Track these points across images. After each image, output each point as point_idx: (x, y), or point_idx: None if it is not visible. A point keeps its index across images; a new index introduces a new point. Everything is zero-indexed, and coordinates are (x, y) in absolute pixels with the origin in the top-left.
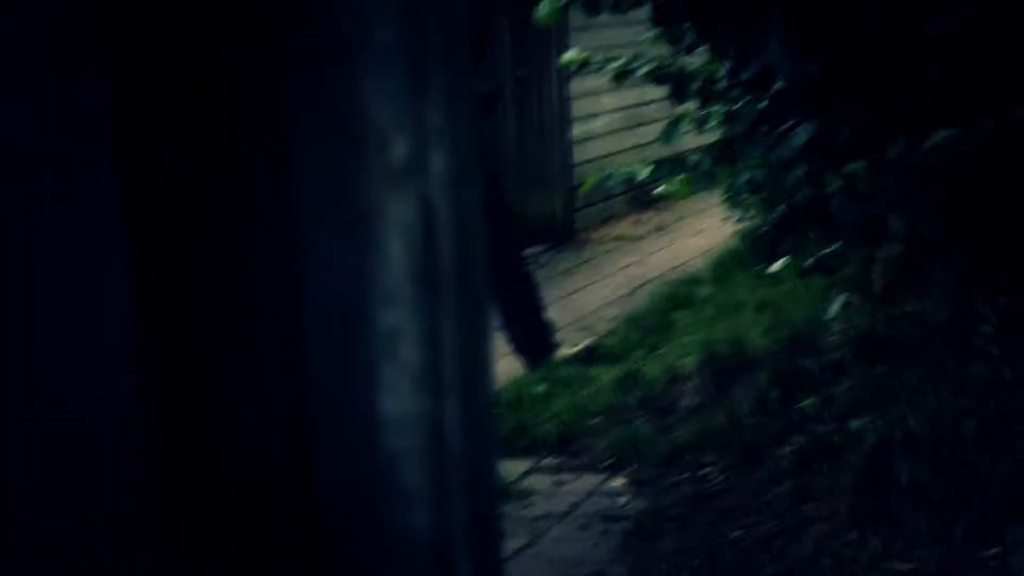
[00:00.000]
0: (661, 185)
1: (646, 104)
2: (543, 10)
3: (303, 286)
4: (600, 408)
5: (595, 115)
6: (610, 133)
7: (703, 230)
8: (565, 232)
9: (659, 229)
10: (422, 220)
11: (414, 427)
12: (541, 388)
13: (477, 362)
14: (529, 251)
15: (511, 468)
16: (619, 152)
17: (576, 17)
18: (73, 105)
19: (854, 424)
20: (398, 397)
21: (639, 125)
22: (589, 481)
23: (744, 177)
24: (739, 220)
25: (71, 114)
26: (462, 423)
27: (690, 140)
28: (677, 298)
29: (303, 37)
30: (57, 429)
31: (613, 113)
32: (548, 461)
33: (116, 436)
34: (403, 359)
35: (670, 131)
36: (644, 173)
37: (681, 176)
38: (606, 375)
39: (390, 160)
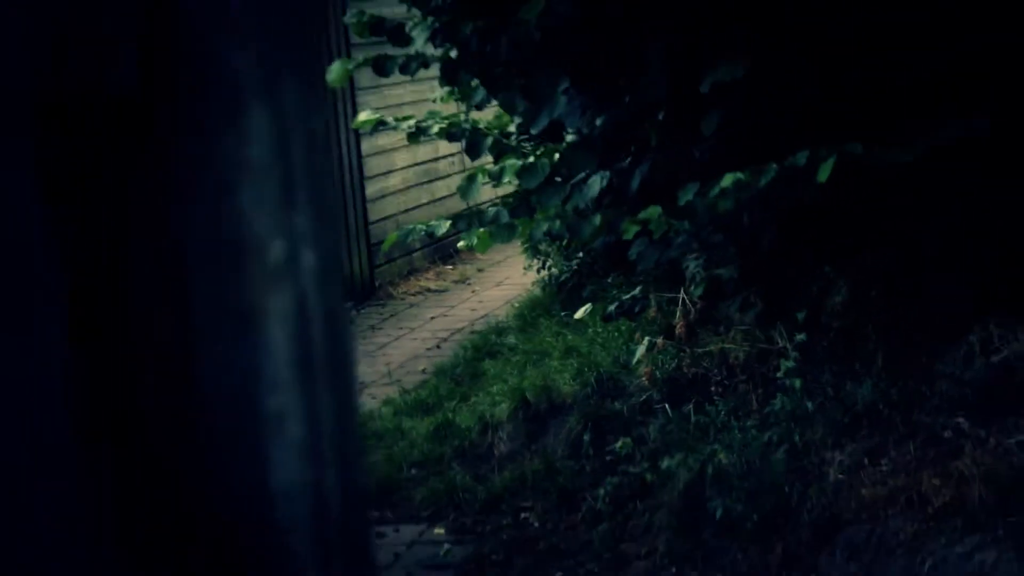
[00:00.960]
0: (462, 239)
1: (440, 159)
2: (333, 74)
3: (199, 375)
4: (416, 459)
5: (389, 172)
6: (405, 189)
7: (504, 280)
8: (367, 289)
9: (461, 281)
10: (298, 312)
11: (301, 497)
12: None
13: (350, 436)
14: None
15: None
16: (416, 207)
17: (363, 77)
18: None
19: (666, 463)
20: (286, 470)
21: (434, 180)
22: (410, 531)
23: (543, 227)
24: (539, 269)
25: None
26: (341, 492)
27: (487, 192)
28: (485, 348)
29: (195, 166)
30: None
31: (407, 169)
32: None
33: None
34: (289, 436)
35: (466, 187)
36: (443, 228)
37: (481, 229)
38: (420, 426)
39: (268, 261)
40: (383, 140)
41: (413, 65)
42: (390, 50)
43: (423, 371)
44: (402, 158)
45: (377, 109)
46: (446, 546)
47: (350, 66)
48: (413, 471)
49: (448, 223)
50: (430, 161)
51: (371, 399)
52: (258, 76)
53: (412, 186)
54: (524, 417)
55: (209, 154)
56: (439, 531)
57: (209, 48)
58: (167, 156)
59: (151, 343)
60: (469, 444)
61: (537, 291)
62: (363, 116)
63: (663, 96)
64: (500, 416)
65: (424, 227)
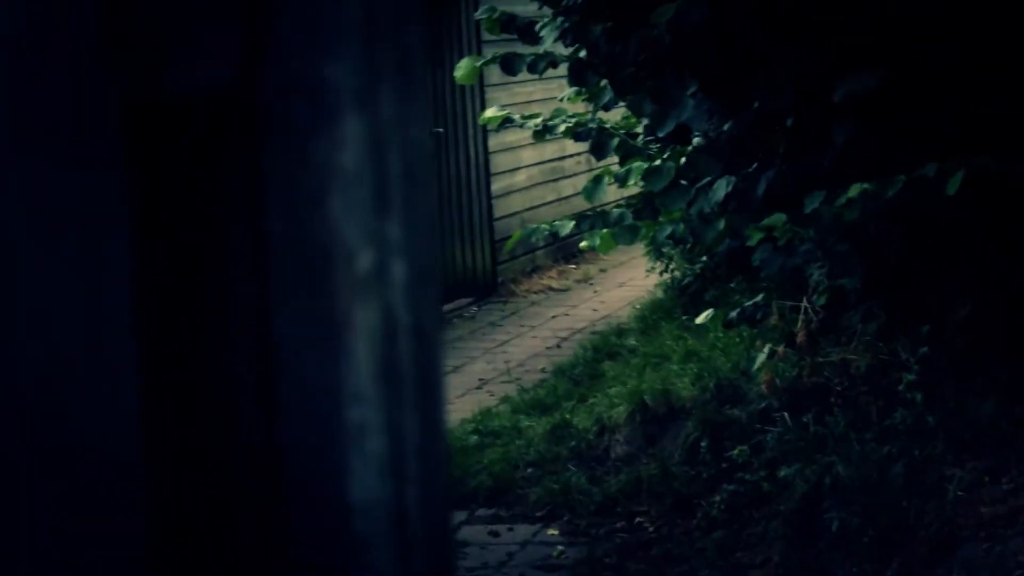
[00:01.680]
0: (584, 239)
1: (567, 157)
2: (461, 70)
3: (281, 389)
4: (532, 459)
5: (516, 169)
6: (531, 187)
7: (627, 281)
8: (489, 285)
9: (584, 281)
10: (385, 325)
11: (380, 511)
12: (472, 440)
13: (434, 451)
14: (455, 304)
15: None
16: (541, 205)
17: (492, 73)
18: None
19: (783, 472)
20: (366, 484)
21: (560, 178)
22: (524, 531)
23: (666, 230)
24: (662, 272)
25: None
26: (422, 507)
27: (613, 193)
28: (605, 349)
29: (285, 172)
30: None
31: (533, 167)
32: (482, 512)
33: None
34: (369, 450)
35: (591, 188)
36: (567, 228)
37: (604, 230)
38: (538, 425)
39: (356, 272)
40: (511, 137)
41: (541, 64)
42: (520, 47)
43: (542, 370)
44: (529, 155)
45: (506, 106)
46: (559, 547)
47: (478, 63)
48: (529, 470)
49: (572, 223)
50: (557, 159)
51: (489, 396)
52: (353, 84)
53: (538, 184)
54: (642, 420)
55: (300, 160)
56: (553, 532)
57: (303, 55)
58: (259, 160)
59: (232, 353)
60: (586, 445)
61: (659, 294)
62: (490, 112)
63: (792, 103)
64: (617, 418)
65: (548, 227)
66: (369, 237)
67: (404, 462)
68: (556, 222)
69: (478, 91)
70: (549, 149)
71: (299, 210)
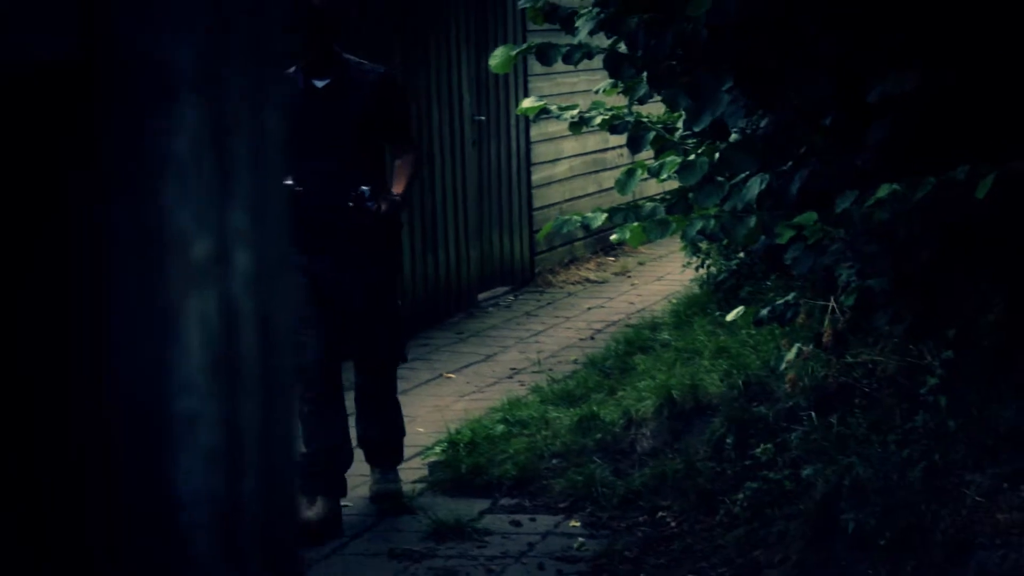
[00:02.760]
0: (615, 232)
1: (608, 149)
2: (496, 59)
3: (110, 378)
4: (558, 450)
5: (556, 160)
6: (572, 177)
7: (665, 275)
8: (526, 275)
9: (621, 273)
10: (224, 314)
11: (208, 504)
12: (499, 429)
13: (280, 445)
14: (492, 292)
15: (468, 508)
16: (582, 196)
17: (536, 64)
18: None
19: (806, 472)
20: (193, 476)
21: (601, 170)
22: (546, 522)
23: (697, 226)
24: (698, 268)
25: None
26: (261, 501)
27: (655, 187)
28: (637, 342)
29: (118, 155)
30: None
31: (575, 158)
32: (505, 501)
33: None
34: (198, 442)
35: (624, 181)
36: (600, 220)
37: (635, 224)
38: (565, 417)
39: (191, 260)
40: (552, 127)
41: (577, 55)
42: (565, 38)
43: (574, 361)
44: (570, 146)
45: (549, 96)
46: (580, 539)
47: (513, 52)
48: (554, 461)
49: (604, 215)
50: (598, 151)
51: (520, 386)
52: (194, 66)
53: (579, 175)
54: (669, 415)
55: (135, 142)
56: (575, 524)
57: (141, 33)
58: (95, 141)
59: (66, 341)
60: (612, 438)
61: (695, 289)
62: (527, 103)
63: (829, 101)
64: (645, 412)
65: (580, 218)
66: (208, 224)
67: (240, 455)
68: (589, 214)
69: (521, 80)
70: (591, 141)
71: (133, 194)
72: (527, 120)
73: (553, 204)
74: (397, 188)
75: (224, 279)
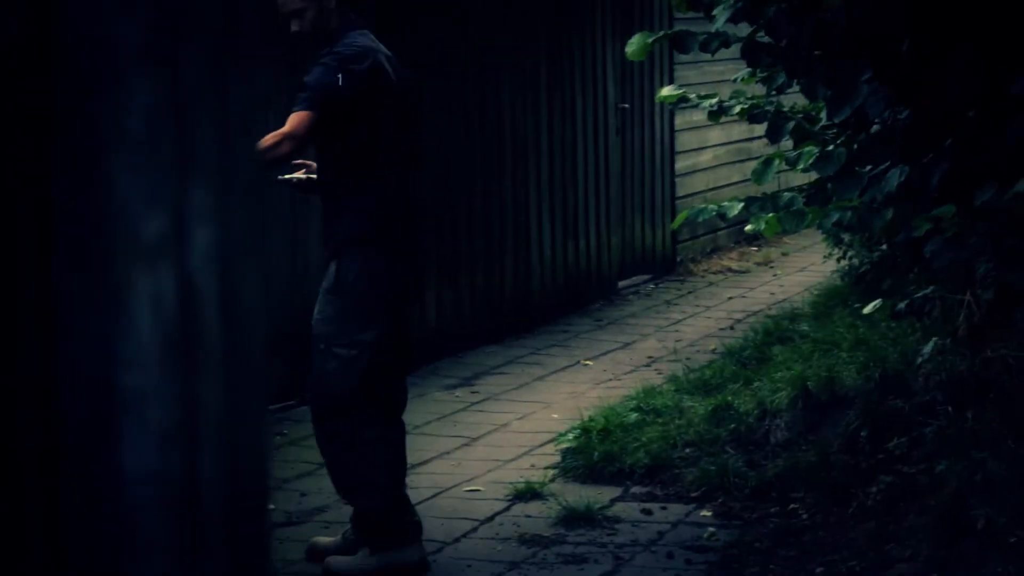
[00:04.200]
0: (750, 222)
1: (754, 139)
2: (632, 47)
3: (59, 354)
4: (691, 439)
5: (701, 149)
6: (716, 167)
7: (808, 266)
8: (668, 263)
9: (764, 264)
10: (180, 291)
11: (159, 482)
12: (633, 417)
13: (244, 425)
14: (632, 280)
15: (598, 495)
16: (725, 186)
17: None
18: None
19: (940, 467)
20: (142, 453)
21: (747, 159)
22: (677, 511)
23: (833, 217)
24: (839, 259)
25: None
26: (223, 481)
27: (802, 178)
28: (776, 333)
29: (68, 128)
30: None
31: (719, 147)
32: (636, 489)
33: None
34: (149, 418)
35: (761, 171)
36: (736, 209)
37: (770, 215)
38: (700, 406)
39: (143, 237)
40: (697, 115)
41: (714, 43)
42: (707, 26)
43: (713, 351)
44: (715, 135)
45: (694, 85)
46: (711, 529)
47: (649, 40)
48: (687, 450)
49: (740, 204)
50: (744, 140)
51: (656, 374)
52: (146, 44)
53: (723, 164)
54: (804, 406)
55: (81, 121)
56: (706, 514)
57: (92, 10)
58: (48, 119)
59: (16, 316)
60: (745, 428)
61: (837, 280)
62: (666, 90)
63: (971, 93)
64: (780, 403)
65: (716, 207)
66: (164, 201)
67: (197, 432)
68: (725, 203)
69: (667, 68)
70: (736, 130)
71: (81, 170)
72: (671, 108)
73: (697, 193)
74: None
75: (182, 256)
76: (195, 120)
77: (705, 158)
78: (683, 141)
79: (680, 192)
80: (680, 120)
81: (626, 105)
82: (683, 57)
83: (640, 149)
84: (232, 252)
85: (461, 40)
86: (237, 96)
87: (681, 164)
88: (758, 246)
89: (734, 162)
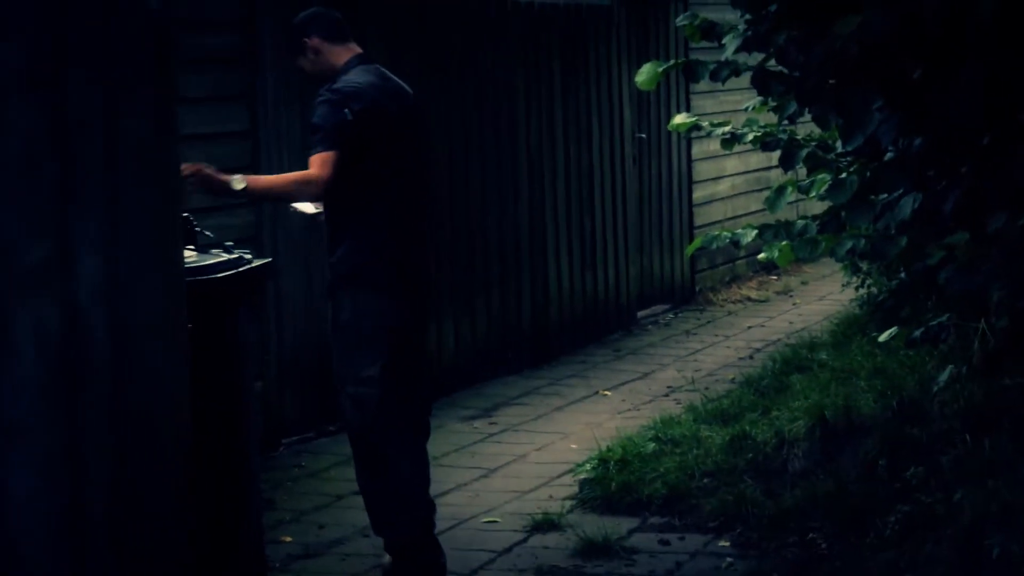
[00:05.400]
0: (763, 251)
1: (772, 167)
2: (642, 76)
3: None
4: (709, 468)
5: (719, 178)
6: (734, 196)
7: (827, 295)
8: (687, 293)
9: (783, 292)
10: (65, 321)
11: (47, 509)
12: (651, 447)
13: (139, 454)
14: (651, 310)
15: (616, 526)
16: (743, 215)
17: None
18: None
19: (957, 495)
20: (23, 480)
21: (764, 188)
22: (694, 541)
23: (847, 245)
24: (858, 287)
25: None
26: (110, 509)
27: (820, 206)
28: (795, 362)
29: None
30: None
31: (737, 176)
32: (654, 520)
33: None
34: (32, 447)
35: (773, 199)
36: (749, 237)
37: (783, 243)
38: (718, 436)
39: (22, 266)
40: (715, 145)
41: (725, 72)
42: (719, 55)
43: (732, 380)
44: (733, 164)
45: (711, 114)
46: (728, 559)
47: (660, 69)
48: (705, 480)
49: (754, 232)
50: (762, 169)
51: (675, 404)
52: (25, 67)
53: (741, 193)
54: (821, 435)
55: None
56: (724, 544)
57: None
58: None
59: None
60: (763, 458)
61: (856, 309)
62: (678, 118)
63: (984, 119)
64: (797, 432)
65: (729, 235)
66: (44, 230)
67: (84, 461)
68: (738, 230)
69: (683, 97)
70: (754, 159)
71: None
72: (686, 137)
73: (715, 222)
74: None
75: (67, 285)
76: (82, 147)
77: (723, 187)
78: (701, 170)
79: (698, 221)
80: (697, 149)
81: (643, 135)
82: (700, 86)
83: (657, 178)
84: (124, 281)
85: (477, 67)
86: (129, 124)
87: (699, 193)
88: (777, 275)
89: (752, 191)
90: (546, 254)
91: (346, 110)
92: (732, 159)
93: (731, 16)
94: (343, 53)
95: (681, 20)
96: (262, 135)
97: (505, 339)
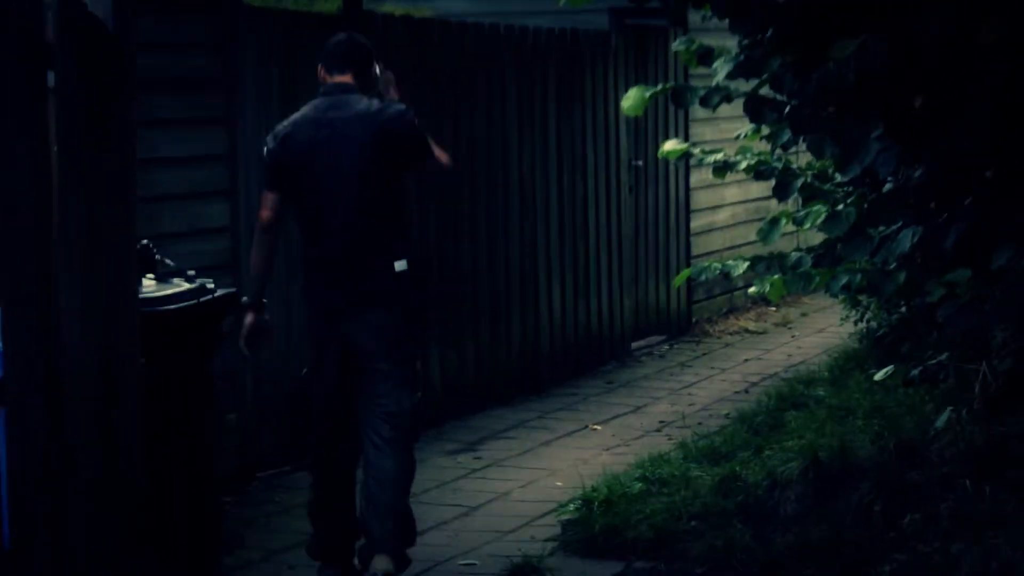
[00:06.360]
0: (753, 284)
1: (772, 198)
2: (628, 101)
3: None
4: (697, 511)
5: (717, 207)
6: (733, 225)
7: (827, 327)
8: (683, 324)
9: (782, 324)
10: None
11: None
12: (637, 487)
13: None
14: (646, 341)
15: (599, 570)
16: (742, 244)
17: (699, 109)
18: None
19: (955, 548)
20: None
21: (764, 219)
22: None
23: (842, 280)
24: (856, 321)
25: None
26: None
27: (820, 238)
28: (791, 398)
29: None
30: None
31: (737, 205)
32: (639, 564)
33: None
34: None
35: (767, 230)
36: (740, 269)
37: (775, 276)
38: (707, 476)
39: None
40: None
41: (715, 98)
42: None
43: (726, 415)
44: (732, 193)
45: (709, 142)
46: None
47: (647, 94)
48: (692, 523)
49: (745, 264)
50: (762, 199)
51: (667, 440)
52: None
53: (740, 223)
54: (815, 477)
55: None
56: None
57: None
58: None
59: None
60: (754, 500)
61: (854, 343)
62: (669, 145)
63: (988, 152)
64: (790, 474)
65: (720, 266)
66: None
67: None
68: (729, 261)
69: (682, 125)
70: (755, 188)
71: None
72: (687, 166)
73: (713, 252)
74: None
75: None
76: None
77: (722, 217)
78: (699, 199)
79: (696, 251)
80: (696, 178)
81: (640, 162)
82: (698, 114)
83: (654, 207)
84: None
85: (468, 89)
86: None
87: (697, 222)
88: (776, 306)
89: (751, 220)
90: (538, 283)
91: (265, 149)
92: (731, 188)
93: (731, 43)
94: (327, 82)
95: (677, 45)
96: (240, 159)
97: (494, 370)
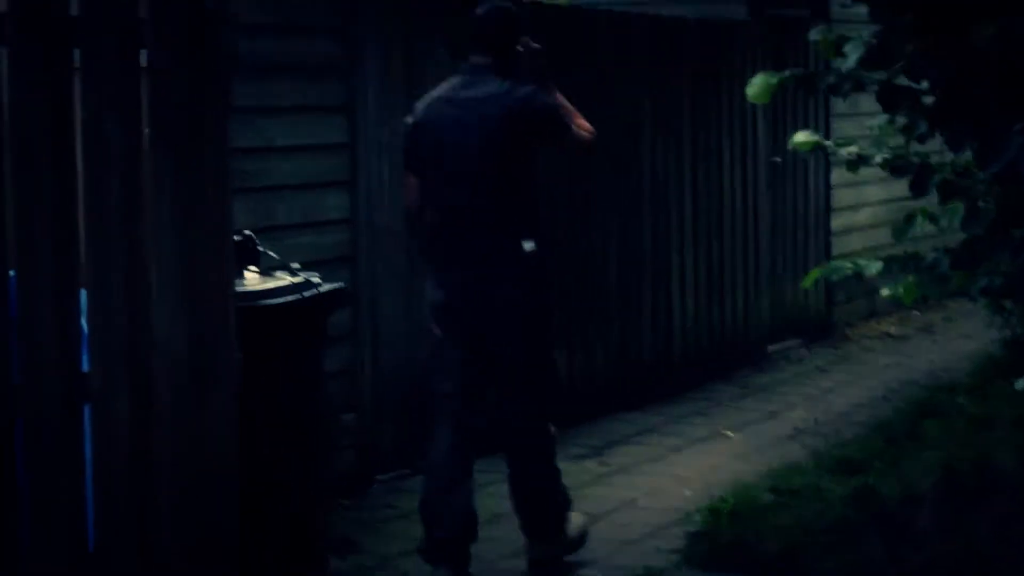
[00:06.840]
0: (886, 287)
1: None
2: (754, 88)
3: None
4: (829, 524)
5: (859, 206)
6: (875, 226)
7: (973, 333)
8: (822, 327)
9: (924, 329)
10: None
11: None
12: (767, 498)
13: None
14: (783, 344)
15: None
16: (884, 246)
17: (840, 104)
18: None
19: None
20: None
21: None
22: None
23: (980, 283)
24: (1001, 327)
25: None
26: None
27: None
28: (930, 406)
29: None
30: None
31: (879, 205)
32: None
33: None
34: None
35: (902, 228)
36: (874, 269)
37: (909, 279)
38: (840, 487)
39: None
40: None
41: (846, 86)
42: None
43: (863, 423)
44: (874, 192)
45: (852, 137)
46: None
47: (773, 81)
48: (823, 537)
49: (880, 264)
50: (904, 199)
51: (800, 448)
52: None
53: (883, 223)
54: (952, 491)
55: None
56: None
57: None
58: None
59: None
60: (889, 514)
61: (998, 350)
62: (800, 136)
63: None
64: (926, 487)
65: (852, 266)
66: None
67: None
68: (862, 261)
69: (823, 121)
70: (898, 187)
71: None
72: (827, 162)
73: (853, 253)
74: None
75: None
76: None
77: (862, 216)
78: (840, 198)
79: (836, 251)
80: (837, 176)
81: (778, 159)
82: (840, 108)
83: (793, 205)
84: None
85: (598, 84)
86: None
87: (837, 222)
88: (921, 310)
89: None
90: (670, 283)
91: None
92: (874, 187)
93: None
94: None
95: (814, 34)
96: (360, 148)
97: (624, 373)
